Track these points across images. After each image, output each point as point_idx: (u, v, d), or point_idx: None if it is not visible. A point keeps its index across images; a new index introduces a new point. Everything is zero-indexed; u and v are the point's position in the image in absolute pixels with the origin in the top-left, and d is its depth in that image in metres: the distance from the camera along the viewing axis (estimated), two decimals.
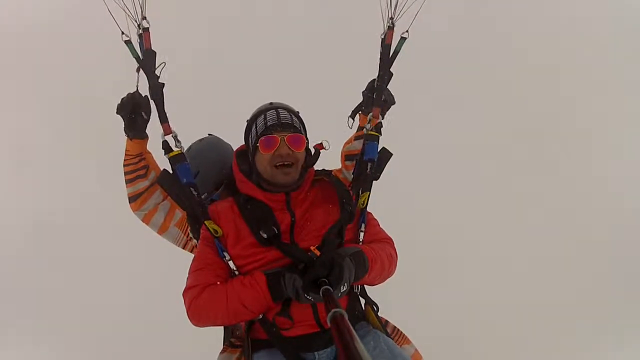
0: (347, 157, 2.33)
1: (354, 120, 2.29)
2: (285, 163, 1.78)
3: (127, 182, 2.24)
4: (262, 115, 1.84)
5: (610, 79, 5.23)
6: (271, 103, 1.89)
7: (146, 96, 2.02)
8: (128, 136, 2.15)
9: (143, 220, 2.31)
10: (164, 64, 1.94)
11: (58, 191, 5.28)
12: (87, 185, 5.14)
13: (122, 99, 2.07)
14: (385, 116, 2.26)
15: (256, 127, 1.84)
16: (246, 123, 1.92)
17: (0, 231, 5.32)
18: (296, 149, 1.78)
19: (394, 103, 2.28)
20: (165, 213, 2.31)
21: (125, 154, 2.21)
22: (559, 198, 5.11)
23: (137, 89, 2.08)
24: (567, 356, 4.44)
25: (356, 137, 2.32)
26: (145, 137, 2.17)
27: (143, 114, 2.07)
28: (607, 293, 4.74)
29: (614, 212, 5.06)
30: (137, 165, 2.19)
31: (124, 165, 2.22)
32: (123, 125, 2.12)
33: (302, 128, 1.87)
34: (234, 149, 2.39)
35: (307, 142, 1.88)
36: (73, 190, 5.24)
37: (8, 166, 5.49)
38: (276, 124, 1.79)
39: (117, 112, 2.08)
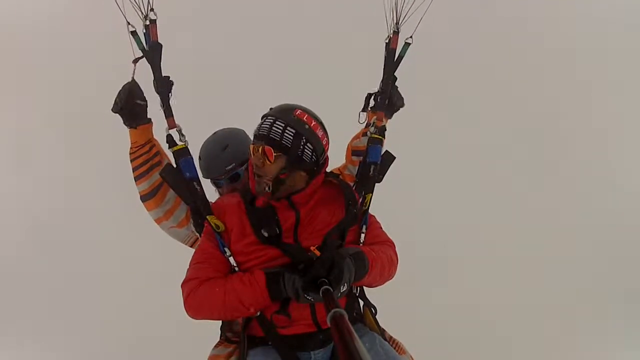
0: (354, 152, 2.30)
1: (365, 115, 2.26)
2: (258, 173, 1.79)
3: (140, 176, 2.05)
4: None
5: (610, 79, 5.23)
6: (271, 108, 1.86)
7: (135, 83, 2.00)
8: (132, 127, 2.04)
9: (161, 219, 2.14)
10: (172, 81, 1.93)
11: (58, 191, 5.28)
12: (87, 185, 5.14)
13: (119, 94, 2.00)
14: (392, 117, 2.27)
15: None
16: None
17: (0, 231, 5.32)
18: (265, 160, 1.76)
19: (403, 106, 2.27)
20: (187, 207, 2.12)
21: (132, 147, 2.07)
22: (559, 198, 5.11)
23: (133, 78, 2.01)
24: (567, 356, 4.44)
25: (364, 133, 2.28)
26: (150, 121, 2.09)
27: (139, 101, 2.01)
28: (607, 293, 4.75)
29: (614, 212, 5.06)
30: (149, 153, 2.06)
31: (133, 160, 2.06)
32: (123, 121, 2.04)
33: (284, 138, 1.74)
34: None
35: (291, 152, 1.76)
36: (73, 190, 5.23)
37: (8, 166, 5.49)
38: (255, 134, 1.81)
39: (116, 111, 2.00)
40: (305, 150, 1.78)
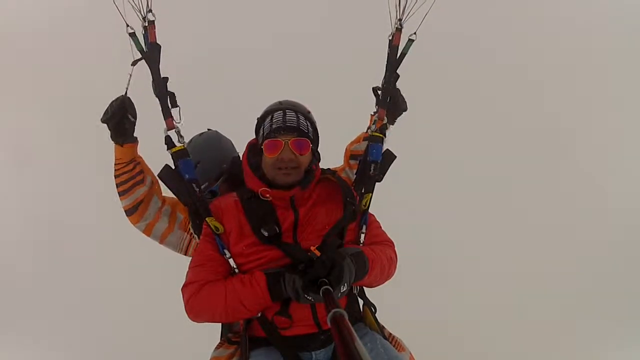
0: (352, 156, 2.30)
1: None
2: (289, 166, 1.78)
3: (123, 193, 2.11)
4: (270, 116, 1.85)
5: (611, 86, 5.22)
6: (280, 102, 1.88)
7: (129, 98, 1.98)
8: (118, 143, 2.03)
9: (145, 232, 2.23)
10: (167, 78, 1.92)
11: (58, 191, 5.28)
12: (87, 185, 5.13)
13: (111, 104, 1.96)
14: (395, 122, 2.24)
15: (263, 129, 1.85)
16: (256, 120, 1.93)
17: (0, 231, 5.32)
18: (300, 152, 1.78)
19: (405, 110, 2.24)
20: (168, 217, 2.24)
21: (116, 164, 2.09)
22: (559, 200, 5.11)
23: (127, 93, 1.99)
24: (567, 356, 4.44)
25: (365, 138, 2.26)
26: (136, 140, 2.10)
27: (130, 117, 1.99)
28: (607, 293, 4.74)
29: (615, 211, 5.06)
30: (132, 172, 2.09)
31: (117, 176, 2.10)
32: (110, 135, 2.02)
33: (309, 130, 1.85)
34: (234, 143, 2.43)
35: (315, 143, 1.89)
36: (73, 190, 5.23)
37: (8, 166, 5.49)
38: (281, 127, 1.79)
39: (105, 121, 1.97)
40: (317, 143, 1.93)
